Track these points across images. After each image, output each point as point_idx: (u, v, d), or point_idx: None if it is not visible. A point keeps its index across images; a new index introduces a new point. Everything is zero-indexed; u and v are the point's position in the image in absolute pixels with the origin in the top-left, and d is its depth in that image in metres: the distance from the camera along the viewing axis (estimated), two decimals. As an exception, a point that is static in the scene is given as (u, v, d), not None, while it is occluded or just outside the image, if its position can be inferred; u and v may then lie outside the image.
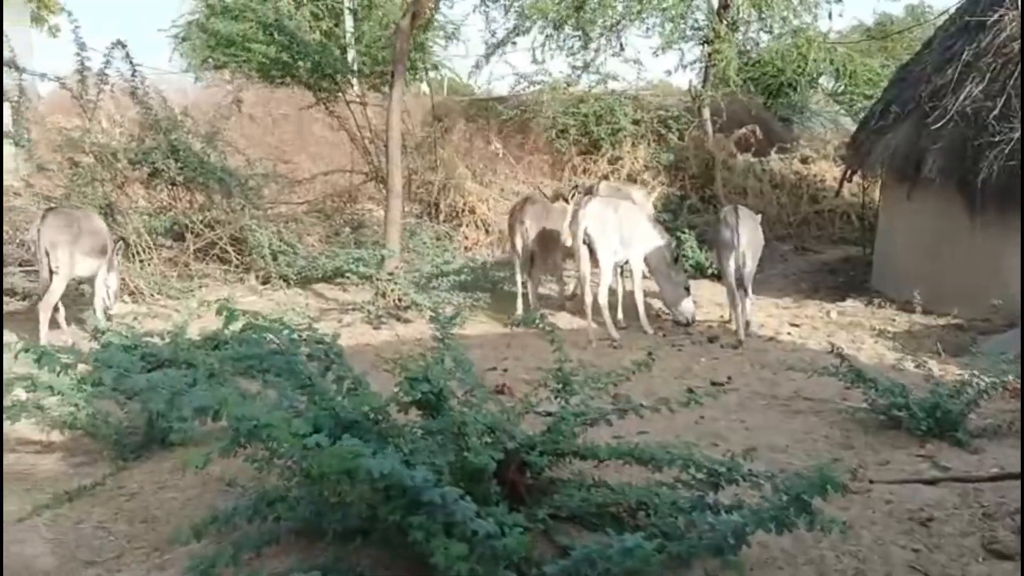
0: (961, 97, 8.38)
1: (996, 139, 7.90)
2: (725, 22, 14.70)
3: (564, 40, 14.92)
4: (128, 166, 9.63)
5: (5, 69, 9.04)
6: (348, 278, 9.69)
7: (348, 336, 7.82)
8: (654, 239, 8.40)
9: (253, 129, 14.69)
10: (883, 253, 10.06)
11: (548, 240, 8.74)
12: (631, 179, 13.39)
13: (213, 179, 9.90)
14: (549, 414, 5.09)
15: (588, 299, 7.96)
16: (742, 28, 15.78)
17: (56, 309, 7.44)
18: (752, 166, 14.66)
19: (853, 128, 17.51)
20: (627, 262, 8.35)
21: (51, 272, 7.19)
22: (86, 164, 9.50)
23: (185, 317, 7.04)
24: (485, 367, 6.85)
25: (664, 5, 14.59)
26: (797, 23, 15.59)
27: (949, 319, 8.41)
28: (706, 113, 14.64)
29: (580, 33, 14.86)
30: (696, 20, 15.66)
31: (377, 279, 8.29)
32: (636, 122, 14.03)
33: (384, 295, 8.25)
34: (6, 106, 9.13)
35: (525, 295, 8.89)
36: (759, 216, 8.55)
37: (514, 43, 14.50)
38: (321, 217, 11.82)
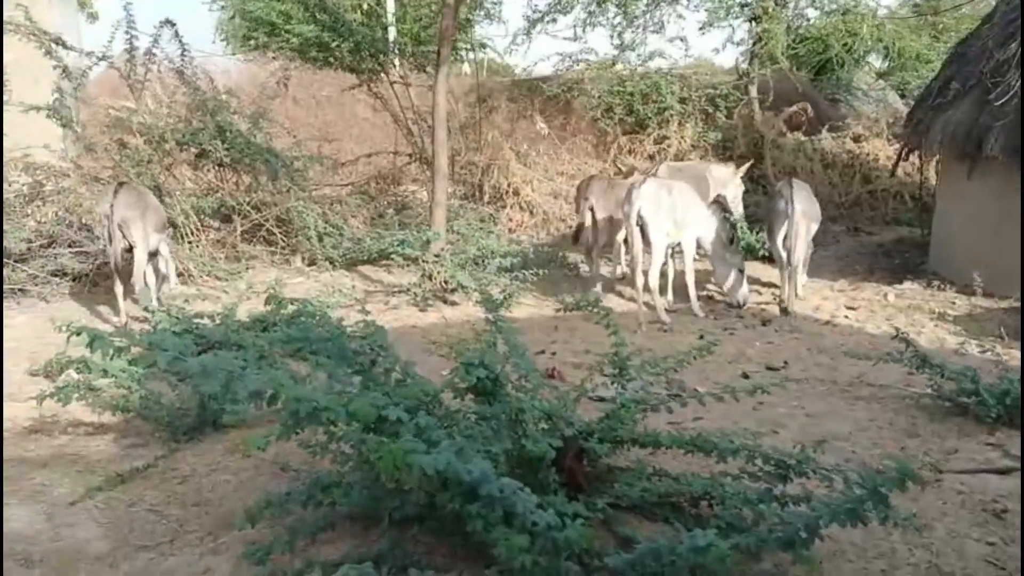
0: (1026, 72, 8.08)
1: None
2: (772, -1, 14.47)
3: (607, 18, 14.75)
4: (176, 147, 9.65)
5: (52, 47, 9.06)
6: (393, 260, 9.65)
7: (394, 319, 7.78)
8: (709, 221, 8.23)
9: (297, 111, 14.70)
10: (941, 234, 9.77)
11: (609, 219, 8.69)
12: (678, 159, 13.16)
13: (260, 160, 9.89)
14: (602, 399, 5.02)
15: (639, 281, 7.84)
16: (791, 4, 15.47)
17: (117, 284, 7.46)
18: (803, 145, 14.34)
19: (901, 107, 17.24)
20: (679, 244, 8.24)
21: (130, 247, 7.32)
22: (134, 145, 9.53)
23: (234, 299, 7.04)
24: (533, 351, 6.75)
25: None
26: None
27: (1011, 302, 8.14)
28: (753, 91, 14.35)
29: (622, 11, 14.70)
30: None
31: (424, 261, 8.21)
32: (683, 100, 13.73)
33: (431, 277, 8.16)
34: (53, 84, 9.16)
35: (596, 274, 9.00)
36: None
37: (554, 20, 14.39)
38: (365, 199, 11.76)
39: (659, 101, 13.65)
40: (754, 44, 14.68)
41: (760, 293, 9.00)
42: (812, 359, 6.71)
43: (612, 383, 4.18)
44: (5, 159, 8.81)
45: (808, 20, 17.05)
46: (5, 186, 8.79)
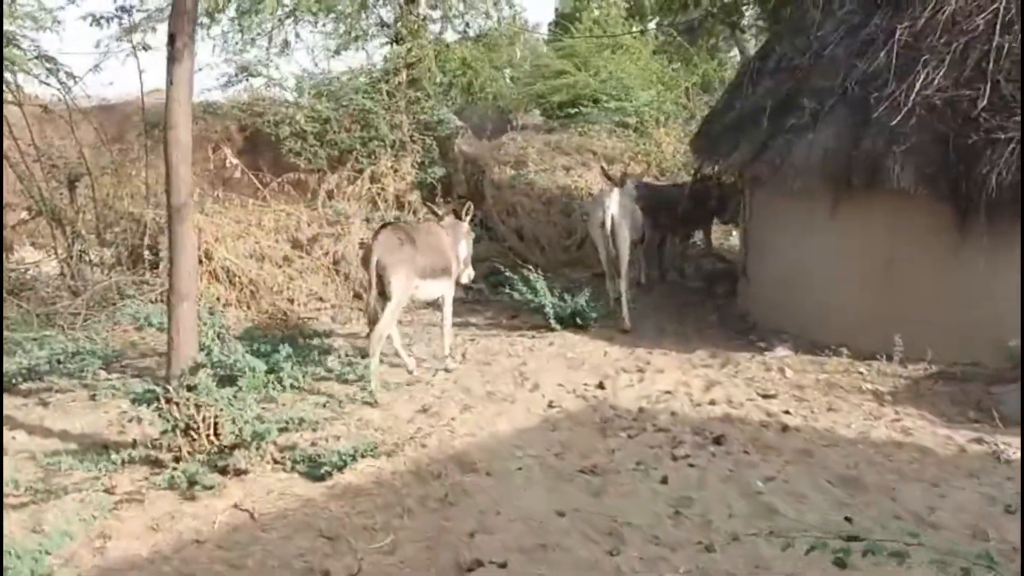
0: (917, 86, 6.67)
1: (995, 136, 6.25)
2: (414, 18, 12.45)
3: (223, 36, 11.86)
4: None
5: None
6: (55, 382, 5.86)
7: (148, 523, 4.07)
8: None
9: None
10: (775, 283, 8.07)
11: None
12: (399, 201, 10.37)
13: None
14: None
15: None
16: (431, 25, 13.68)
17: None
18: (516, 179, 12.35)
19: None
20: None
21: None
22: None
23: None
24: (410, 556, 3.73)
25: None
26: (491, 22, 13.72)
27: (925, 366, 6.62)
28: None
29: (238, 27, 11.80)
30: (380, 16, 13.29)
31: (173, 400, 4.50)
32: (395, 127, 10.82)
33: (187, 429, 4.50)
34: None
35: None
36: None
37: (151, 30, 10.81)
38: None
39: (364, 133, 10.69)
40: (401, 68, 12.51)
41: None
42: (849, 498, 4.49)
43: None
44: None
45: (447, 45, 15.46)
46: None
